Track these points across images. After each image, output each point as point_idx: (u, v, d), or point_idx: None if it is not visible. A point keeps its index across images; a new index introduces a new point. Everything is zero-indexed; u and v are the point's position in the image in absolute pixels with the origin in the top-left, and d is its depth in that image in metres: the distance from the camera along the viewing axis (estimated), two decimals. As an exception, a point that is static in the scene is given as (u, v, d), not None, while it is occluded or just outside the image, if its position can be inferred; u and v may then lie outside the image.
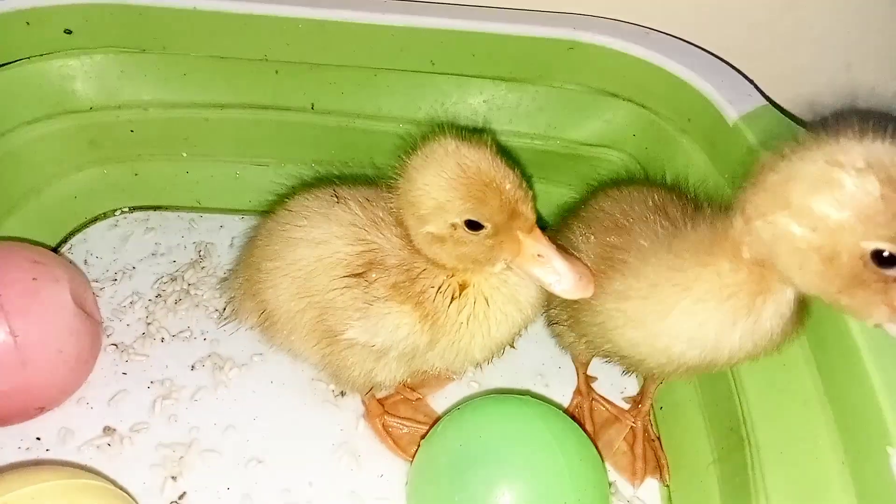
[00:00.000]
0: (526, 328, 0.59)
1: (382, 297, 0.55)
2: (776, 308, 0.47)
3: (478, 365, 0.60)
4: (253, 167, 0.87)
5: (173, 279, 0.81)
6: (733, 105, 0.69)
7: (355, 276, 0.56)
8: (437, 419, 0.68)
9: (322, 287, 0.57)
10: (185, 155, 0.86)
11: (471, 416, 0.57)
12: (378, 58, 0.80)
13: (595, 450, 0.58)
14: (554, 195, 0.88)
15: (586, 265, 0.55)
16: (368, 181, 0.64)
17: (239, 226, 0.87)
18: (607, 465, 0.69)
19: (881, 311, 0.41)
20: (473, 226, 0.51)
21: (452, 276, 0.56)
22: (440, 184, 0.51)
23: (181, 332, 0.76)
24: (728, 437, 0.62)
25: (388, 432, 0.69)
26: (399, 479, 0.66)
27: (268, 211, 0.80)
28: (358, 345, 0.57)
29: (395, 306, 0.55)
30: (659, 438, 0.71)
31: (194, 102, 0.83)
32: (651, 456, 0.70)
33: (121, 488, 0.61)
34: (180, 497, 0.64)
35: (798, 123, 0.67)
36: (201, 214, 0.89)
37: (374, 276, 0.56)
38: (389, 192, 0.56)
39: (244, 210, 0.88)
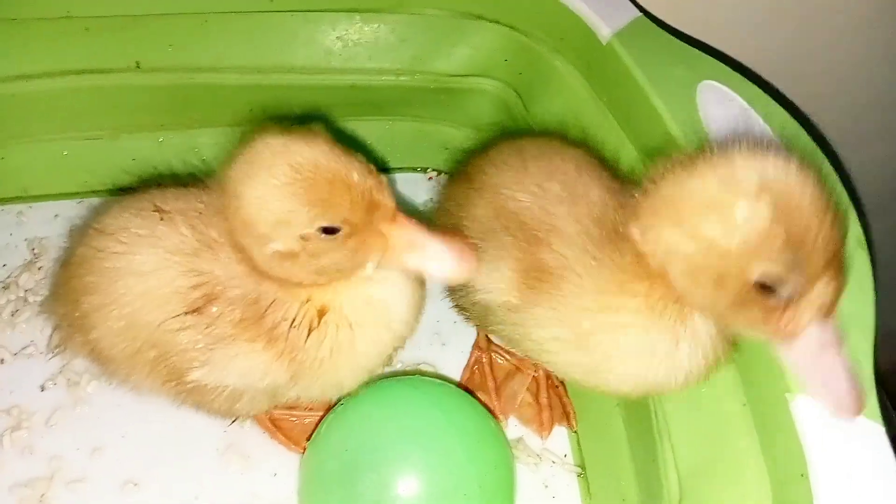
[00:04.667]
0: (402, 346, 0.53)
1: (228, 335, 0.48)
2: (695, 326, 0.46)
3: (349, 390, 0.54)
4: (83, 142, 0.76)
5: (6, 287, 0.70)
6: (606, 21, 0.63)
7: (193, 312, 0.48)
8: (331, 406, 0.63)
9: (156, 326, 0.49)
10: (-5, 138, 0.73)
11: (355, 414, 0.52)
12: (205, 0, 0.69)
13: (493, 422, 0.55)
14: (434, 136, 0.81)
15: (465, 237, 0.49)
16: (198, 181, 0.54)
17: (76, 211, 0.74)
18: (513, 418, 0.67)
19: (765, 331, 0.41)
20: (328, 231, 0.44)
21: (308, 300, 0.49)
22: (275, 193, 0.43)
23: (24, 348, 0.67)
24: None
25: (277, 426, 0.63)
26: (295, 476, 0.61)
27: (109, 190, 0.70)
28: (209, 386, 0.50)
29: (243, 346, 0.48)
30: (563, 384, 0.68)
31: (-9, 77, 0.70)
32: (557, 403, 0.67)
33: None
34: (48, 540, 0.57)
35: (677, 37, 0.62)
36: (30, 205, 0.77)
37: (215, 310, 0.48)
38: (220, 209, 0.47)
39: (80, 193, 0.77)
